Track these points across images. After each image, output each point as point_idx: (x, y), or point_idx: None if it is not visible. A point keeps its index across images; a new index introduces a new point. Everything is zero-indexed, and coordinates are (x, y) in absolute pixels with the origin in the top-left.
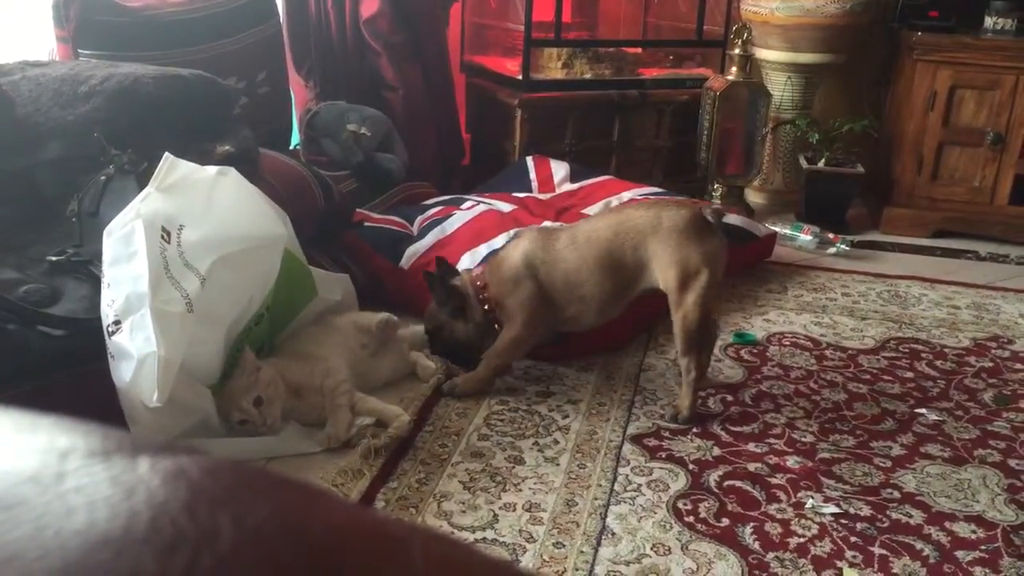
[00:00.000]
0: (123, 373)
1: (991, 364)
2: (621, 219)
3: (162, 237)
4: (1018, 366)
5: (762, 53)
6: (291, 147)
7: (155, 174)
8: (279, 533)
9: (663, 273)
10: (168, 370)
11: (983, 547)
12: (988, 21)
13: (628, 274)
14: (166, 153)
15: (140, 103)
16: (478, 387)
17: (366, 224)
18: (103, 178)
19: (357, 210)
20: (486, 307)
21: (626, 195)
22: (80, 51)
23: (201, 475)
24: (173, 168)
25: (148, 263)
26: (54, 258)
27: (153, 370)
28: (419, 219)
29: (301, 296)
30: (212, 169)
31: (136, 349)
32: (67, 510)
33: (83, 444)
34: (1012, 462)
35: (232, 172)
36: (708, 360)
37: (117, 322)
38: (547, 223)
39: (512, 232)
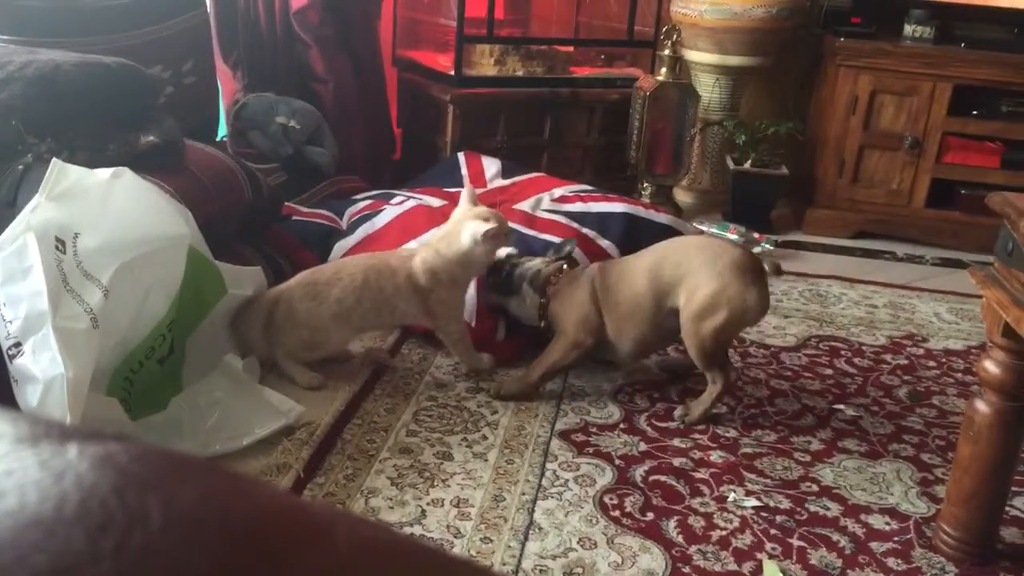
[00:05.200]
0: (29, 398)
1: (906, 361)
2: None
3: (56, 248)
4: (931, 364)
5: (691, 55)
6: (218, 139)
7: (43, 182)
8: (206, 516)
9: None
10: (78, 391)
11: (896, 538)
12: (907, 29)
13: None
14: (53, 159)
15: (60, 91)
16: (528, 389)
17: (294, 218)
18: (20, 167)
19: (286, 204)
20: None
21: (557, 192)
22: None
23: (129, 460)
24: (63, 174)
25: (45, 278)
26: None
27: (62, 393)
28: (348, 213)
29: (210, 295)
30: (105, 172)
31: (41, 372)
32: None
33: (11, 430)
34: (925, 456)
35: (127, 173)
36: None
37: (18, 344)
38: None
39: None
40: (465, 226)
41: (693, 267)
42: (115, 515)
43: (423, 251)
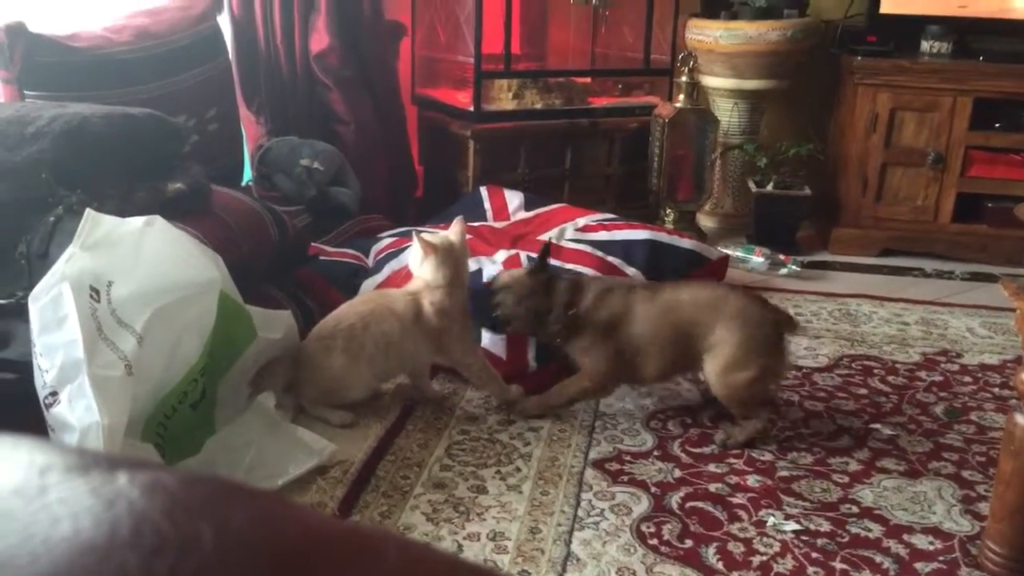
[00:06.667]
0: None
1: (941, 378)
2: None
3: (91, 297)
4: (967, 379)
5: (708, 80)
6: (243, 183)
7: (78, 232)
8: (259, 537)
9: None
10: (114, 439)
11: (941, 558)
12: (924, 45)
13: None
14: (87, 210)
15: (88, 143)
16: (546, 411)
17: (321, 258)
18: (52, 219)
19: (312, 244)
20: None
21: (581, 221)
22: (26, 92)
23: (178, 486)
24: (96, 224)
25: (80, 327)
26: (3, 301)
27: (98, 441)
28: (374, 251)
29: (241, 339)
30: (138, 220)
31: (77, 420)
32: (52, 520)
33: (61, 460)
34: (965, 473)
35: (159, 221)
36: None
37: (54, 393)
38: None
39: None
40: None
41: (714, 327)
42: (168, 539)
43: (428, 293)
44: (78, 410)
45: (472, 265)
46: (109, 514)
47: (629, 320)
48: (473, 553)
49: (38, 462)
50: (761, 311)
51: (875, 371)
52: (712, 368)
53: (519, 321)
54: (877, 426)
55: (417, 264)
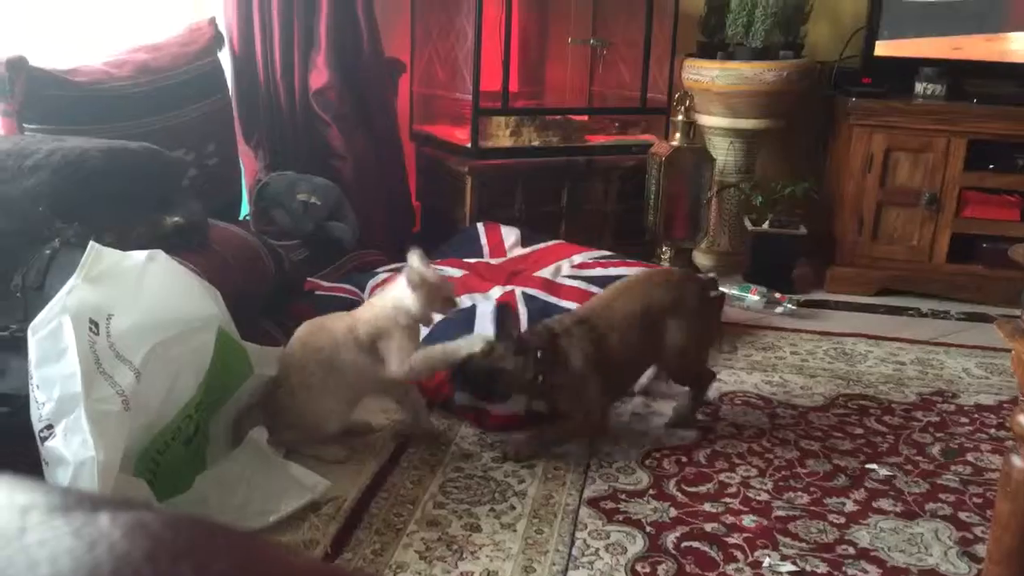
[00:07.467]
0: (59, 481)
1: (938, 418)
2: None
3: (90, 330)
4: (963, 420)
5: (704, 119)
6: (241, 218)
7: (80, 264)
8: None
9: None
10: (107, 475)
11: None
12: (919, 87)
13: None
14: (91, 243)
15: (87, 176)
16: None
17: (317, 293)
18: (48, 252)
19: (308, 279)
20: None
21: (577, 258)
22: (26, 125)
23: (161, 528)
24: (99, 257)
25: (79, 360)
26: None
27: (92, 476)
28: (370, 286)
29: (237, 375)
30: (140, 254)
31: (72, 454)
32: (30, 562)
33: (43, 500)
34: (963, 515)
35: (161, 255)
36: None
37: (49, 427)
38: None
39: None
40: (400, 277)
41: (674, 309)
42: None
43: (361, 308)
44: (73, 444)
45: (466, 301)
46: (89, 556)
47: (605, 342)
48: None
49: (19, 502)
50: (698, 291)
51: (871, 411)
52: (673, 352)
53: (519, 384)
54: (873, 466)
55: (404, 289)
